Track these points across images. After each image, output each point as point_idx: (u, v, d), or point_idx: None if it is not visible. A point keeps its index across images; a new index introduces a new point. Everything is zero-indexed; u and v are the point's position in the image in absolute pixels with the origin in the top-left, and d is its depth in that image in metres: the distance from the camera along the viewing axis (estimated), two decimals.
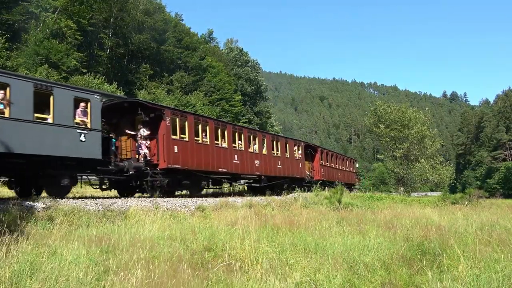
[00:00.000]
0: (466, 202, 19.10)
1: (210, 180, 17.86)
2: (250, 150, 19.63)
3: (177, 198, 14.84)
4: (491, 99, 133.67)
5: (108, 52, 44.51)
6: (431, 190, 71.05)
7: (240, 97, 59.84)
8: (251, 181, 21.42)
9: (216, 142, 17.17)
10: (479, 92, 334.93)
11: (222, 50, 70.15)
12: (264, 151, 20.83)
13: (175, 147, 14.72)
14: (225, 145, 17.72)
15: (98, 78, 34.08)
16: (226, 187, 20.25)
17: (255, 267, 5.52)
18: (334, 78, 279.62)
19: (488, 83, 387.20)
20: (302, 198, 19.10)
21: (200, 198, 15.26)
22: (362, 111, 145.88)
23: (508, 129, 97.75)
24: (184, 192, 18.15)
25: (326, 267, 5.72)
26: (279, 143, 22.63)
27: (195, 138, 15.95)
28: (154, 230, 8.30)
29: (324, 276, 5.36)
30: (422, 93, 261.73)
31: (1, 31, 33.36)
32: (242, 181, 24.18)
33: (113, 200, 11.62)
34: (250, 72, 66.35)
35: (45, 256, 5.38)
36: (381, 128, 43.93)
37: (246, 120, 58.99)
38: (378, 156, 57.00)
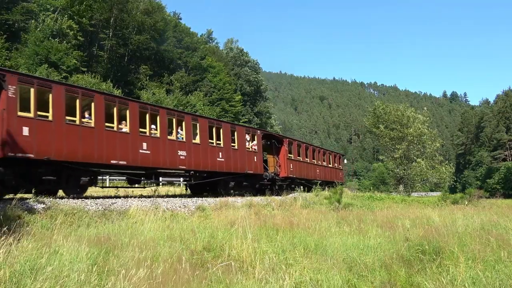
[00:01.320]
0: (466, 202, 19.10)
1: (103, 175, 14.87)
2: (171, 137, 15.39)
3: (177, 198, 14.83)
4: (491, 99, 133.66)
5: (108, 52, 44.52)
6: (431, 190, 71.06)
7: (240, 97, 59.84)
8: (182, 178, 17.75)
9: (108, 124, 12.98)
10: (479, 92, 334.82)
11: (222, 50, 70.20)
12: (197, 139, 16.44)
13: (24, 128, 10.62)
14: (125, 129, 13.55)
15: (95, 78, 34.12)
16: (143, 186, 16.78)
17: (254, 267, 5.52)
18: (334, 78, 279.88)
19: (488, 83, 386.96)
20: (302, 198, 19.12)
21: (200, 198, 15.25)
22: (362, 111, 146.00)
23: (508, 129, 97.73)
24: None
25: (326, 267, 5.73)
26: (221, 130, 17.90)
27: (69, 117, 11.82)
28: (154, 230, 8.30)
29: (324, 276, 5.36)
30: (422, 93, 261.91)
31: (0, 31, 33.41)
32: (171, 178, 21.55)
33: (113, 200, 11.62)
34: (250, 73, 66.40)
35: (46, 256, 5.39)
36: (381, 128, 43.95)
37: (246, 120, 59.01)
38: (380, 156, 56.84)
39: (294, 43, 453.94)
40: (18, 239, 5.95)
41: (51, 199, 10.11)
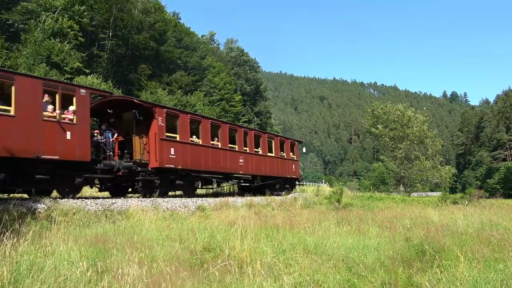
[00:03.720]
0: (466, 202, 19.09)
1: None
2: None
3: (177, 198, 14.85)
4: (491, 99, 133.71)
5: (108, 52, 44.53)
6: (431, 190, 71.10)
7: (240, 97, 59.85)
8: None
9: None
10: (479, 92, 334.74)
11: (222, 50, 70.24)
12: None
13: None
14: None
15: (97, 78, 34.12)
16: None
17: (254, 267, 5.51)
18: (334, 78, 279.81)
19: (488, 83, 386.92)
20: (302, 198, 19.12)
21: (200, 198, 15.26)
22: (362, 111, 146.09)
23: (508, 129, 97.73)
24: None
25: (325, 267, 5.72)
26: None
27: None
28: (154, 230, 8.30)
29: (323, 276, 5.35)
30: (422, 93, 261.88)
31: (0, 31, 33.41)
32: None
33: (113, 200, 11.63)
34: (248, 71, 66.44)
35: (44, 256, 5.38)
36: (380, 128, 43.95)
37: (246, 120, 59.01)
38: (381, 156, 56.78)
39: (294, 43, 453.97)
40: (18, 239, 5.94)
41: (51, 199, 10.11)
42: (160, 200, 12.98)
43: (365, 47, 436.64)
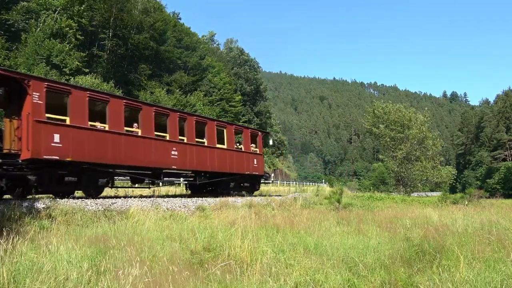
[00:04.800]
0: (466, 202, 19.09)
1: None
2: None
3: (177, 198, 14.86)
4: (491, 99, 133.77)
5: (108, 52, 44.53)
6: (431, 190, 71.06)
7: (240, 97, 59.87)
8: None
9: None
10: (479, 92, 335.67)
11: (222, 50, 70.26)
12: None
13: None
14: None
15: (96, 78, 34.14)
16: None
17: (254, 267, 5.51)
18: (334, 78, 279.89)
19: (488, 83, 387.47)
20: (302, 198, 19.12)
21: (200, 198, 15.26)
22: (362, 111, 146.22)
23: (508, 129, 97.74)
24: None
25: (325, 267, 5.71)
26: None
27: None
28: (154, 230, 8.30)
29: (323, 276, 5.35)
30: (422, 93, 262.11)
31: (0, 31, 33.40)
32: None
33: (113, 200, 11.63)
34: (248, 71, 66.47)
35: (44, 255, 5.38)
36: (381, 128, 43.86)
37: (246, 120, 59.00)
38: (380, 156, 56.73)
39: (294, 43, 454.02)
40: (18, 239, 5.94)
41: (50, 199, 10.12)
42: (160, 200, 12.99)
43: (365, 47, 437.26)
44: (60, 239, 6.41)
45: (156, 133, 14.64)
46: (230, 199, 15.53)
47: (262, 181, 21.50)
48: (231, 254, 6.16)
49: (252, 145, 19.97)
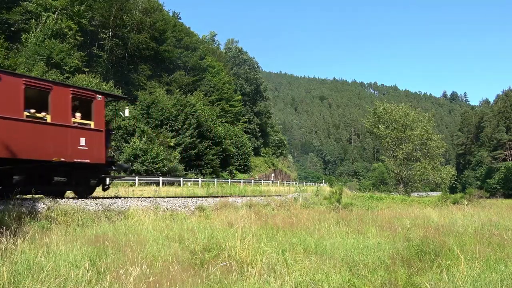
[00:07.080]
0: (466, 202, 19.07)
1: None
2: None
3: (177, 198, 14.86)
4: (491, 99, 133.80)
5: (107, 52, 44.53)
6: (431, 190, 71.08)
7: (240, 97, 59.89)
8: None
9: None
10: (479, 92, 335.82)
11: (222, 50, 70.29)
12: None
13: None
14: None
15: (96, 78, 34.15)
16: None
17: (254, 267, 5.51)
18: (334, 78, 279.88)
19: (488, 83, 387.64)
20: (302, 198, 19.11)
21: (200, 198, 15.26)
22: (362, 111, 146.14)
23: (508, 129, 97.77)
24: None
25: (325, 267, 5.71)
26: None
27: None
28: (154, 230, 8.29)
29: (324, 276, 5.35)
30: (422, 93, 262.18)
31: (0, 30, 33.41)
32: None
33: (113, 200, 11.63)
34: (248, 70, 66.48)
35: (44, 256, 5.37)
36: (381, 128, 43.76)
37: (246, 120, 59.05)
38: (381, 156, 56.69)
39: (294, 43, 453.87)
40: (17, 239, 5.93)
41: (51, 199, 10.11)
42: (160, 200, 12.99)
43: (365, 47, 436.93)
44: (59, 239, 6.41)
45: None
46: (230, 199, 15.53)
47: (111, 176, 13.85)
48: (231, 254, 6.15)
49: (78, 114, 11.90)
